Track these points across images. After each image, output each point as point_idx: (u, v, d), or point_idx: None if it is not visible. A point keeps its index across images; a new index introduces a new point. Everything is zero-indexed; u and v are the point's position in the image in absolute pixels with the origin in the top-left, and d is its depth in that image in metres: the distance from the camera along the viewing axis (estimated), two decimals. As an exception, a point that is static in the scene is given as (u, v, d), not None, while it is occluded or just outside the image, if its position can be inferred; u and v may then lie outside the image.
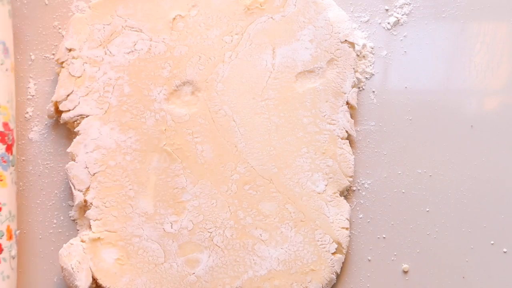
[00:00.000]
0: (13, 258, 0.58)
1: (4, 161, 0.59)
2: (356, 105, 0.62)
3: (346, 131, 0.61)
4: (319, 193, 0.60)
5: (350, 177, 0.61)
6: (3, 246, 0.57)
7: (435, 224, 0.61)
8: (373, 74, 0.64)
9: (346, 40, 0.62)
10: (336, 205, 0.60)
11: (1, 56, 0.60)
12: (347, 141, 0.62)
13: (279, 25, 0.63)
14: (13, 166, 0.60)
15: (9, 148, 0.60)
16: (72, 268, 0.58)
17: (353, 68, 0.62)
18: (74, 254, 0.58)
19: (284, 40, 0.63)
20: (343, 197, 0.61)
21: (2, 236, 0.57)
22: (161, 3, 0.63)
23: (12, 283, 0.57)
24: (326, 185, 0.60)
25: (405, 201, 0.61)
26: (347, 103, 0.62)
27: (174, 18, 0.63)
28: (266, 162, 0.60)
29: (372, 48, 0.65)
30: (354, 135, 0.62)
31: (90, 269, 0.58)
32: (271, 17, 0.63)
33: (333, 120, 0.61)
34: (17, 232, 0.60)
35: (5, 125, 0.60)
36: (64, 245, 0.59)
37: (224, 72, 0.62)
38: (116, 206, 0.60)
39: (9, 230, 0.57)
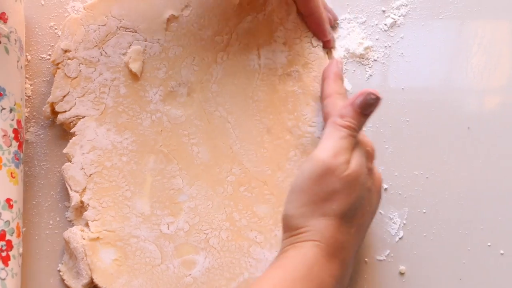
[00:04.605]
0: (20, 255, 0.58)
1: (17, 159, 0.59)
2: None
3: None
4: (312, 196, 0.59)
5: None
6: (13, 243, 0.56)
7: (432, 226, 0.60)
8: (370, 75, 0.64)
9: (318, 45, 0.61)
10: (329, 208, 0.59)
11: (17, 53, 0.60)
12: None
13: (261, 24, 0.62)
14: (22, 164, 0.60)
15: (20, 146, 0.60)
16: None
17: None
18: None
19: (265, 41, 0.62)
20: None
21: (13, 233, 0.56)
22: (155, 3, 0.63)
23: (18, 281, 0.57)
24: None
25: (402, 203, 0.61)
26: None
27: (168, 19, 0.63)
28: (260, 164, 0.60)
29: (369, 49, 0.64)
30: None
31: (89, 266, 0.58)
32: (256, 16, 0.62)
33: (314, 122, 0.60)
34: (23, 229, 0.60)
35: (19, 122, 0.60)
36: (69, 230, 0.59)
37: (218, 73, 0.62)
38: (113, 206, 0.60)
39: (18, 227, 0.57)
